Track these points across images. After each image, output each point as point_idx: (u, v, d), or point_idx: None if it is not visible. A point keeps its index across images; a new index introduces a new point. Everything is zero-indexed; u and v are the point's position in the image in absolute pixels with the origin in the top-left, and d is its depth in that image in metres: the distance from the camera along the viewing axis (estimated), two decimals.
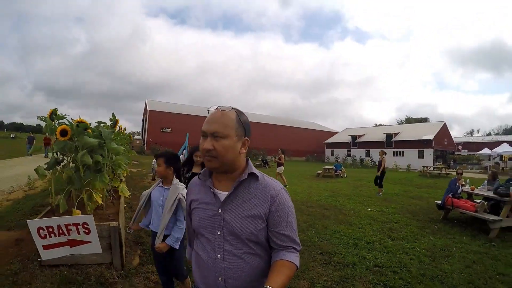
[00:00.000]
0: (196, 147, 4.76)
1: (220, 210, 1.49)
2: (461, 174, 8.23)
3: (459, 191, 7.84)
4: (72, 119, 4.86)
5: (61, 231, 3.65)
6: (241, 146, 1.48)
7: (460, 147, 50.09)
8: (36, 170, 4.51)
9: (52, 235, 3.65)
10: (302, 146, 52.83)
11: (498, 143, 41.75)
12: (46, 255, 3.75)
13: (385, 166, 12.52)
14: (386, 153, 13.67)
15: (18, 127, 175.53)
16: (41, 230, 3.61)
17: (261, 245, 1.49)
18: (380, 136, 44.86)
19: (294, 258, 1.45)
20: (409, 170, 30.60)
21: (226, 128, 1.44)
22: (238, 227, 1.45)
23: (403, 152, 40.72)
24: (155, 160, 3.60)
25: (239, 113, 1.51)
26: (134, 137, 48.10)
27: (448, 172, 22.28)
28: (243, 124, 1.50)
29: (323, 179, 18.22)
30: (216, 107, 1.52)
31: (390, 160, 38.78)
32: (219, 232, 1.48)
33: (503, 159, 37.58)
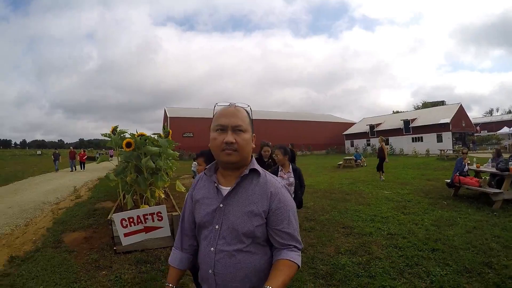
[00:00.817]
0: (265, 143, 5.66)
1: (221, 205, 1.52)
2: (466, 153, 9.01)
3: (465, 170, 8.62)
4: (131, 133, 5.97)
5: (139, 220, 4.71)
6: (252, 141, 1.55)
7: (478, 128, 49.51)
8: (106, 176, 5.64)
9: (132, 224, 4.72)
10: (321, 139, 53.22)
11: None
12: (126, 241, 4.78)
13: (386, 152, 13.47)
14: (385, 139, 14.43)
15: (40, 144, 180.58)
16: (123, 221, 4.67)
17: (257, 241, 1.51)
18: (397, 123, 44.59)
19: (296, 257, 1.47)
20: (428, 155, 30.81)
21: (245, 122, 1.50)
22: (237, 222, 1.48)
23: (421, 137, 40.43)
24: (195, 162, 4.44)
25: (249, 110, 1.61)
26: None
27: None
28: (251, 119, 1.57)
29: (344, 170, 19.01)
30: (227, 103, 1.58)
31: (409, 146, 39.15)
32: (217, 226, 1.51)
33: None
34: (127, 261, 4.76)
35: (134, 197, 5.94)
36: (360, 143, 49.34)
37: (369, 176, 14.26)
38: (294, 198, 4.27)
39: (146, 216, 4.70)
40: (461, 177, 8.18)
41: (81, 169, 25.45)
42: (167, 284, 1.67)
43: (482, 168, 8.58)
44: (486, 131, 48.76)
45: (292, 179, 4.78)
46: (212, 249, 1.50)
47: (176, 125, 43.80)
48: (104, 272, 4.45)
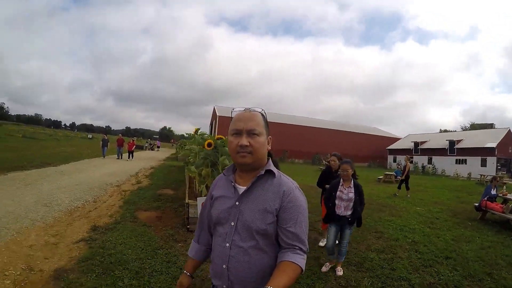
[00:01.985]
0: (336, 154, 6.17)
1: (237, 203, 1.59)
2: (496, 180, 9.81)
3: (494, 195, 9.44)
4: (206, 133, 7.35)
5: None
6: (267, 144, 1.63)
7: None
8: (188, 168, 7.04)
9: None
10: (364, 151, 52.96)
11: None
12: None
13: (409, 171, 14.50)
14: (411, 158, 15.15)
15: (88, 128, 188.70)
16: (203, 203, 5.94)
17: (269, 240, 1.56)
18: (442, 143, 43.89)
19: (299, 260, 1.48)
20: (470, 178, 30.67)
21: (259, 126, 1.58)
22: (251, 219, 1.54)
23: (465, 160, 39.70)
24: None
25: (264, 114, 1.66)
26: None
27: (505, 182, 22.70)
28: (266, 123, 1.64)
29: (383, 184, 19.74)
30: (243, 108, 1.66)
31: (452, 167, 38.46)
32: (232, 223, 1.58)
33: None
34: None
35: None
36: (403, 159, 48.08)
37: (405, 193, 15.08)
38: (352, 215, 4.67)
39: None
40: (488, 202, 9.03)
41: (129, 158, 24.72)
42: (184, 271, 1.87)
43: (509, 196, 9.35)
44: None
45: (351, 195, 4.70)
46: (227, 244, 1.58)
47: (224, 124, 45.40)
48: (180, 244, 5.54)
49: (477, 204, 9.55)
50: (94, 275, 4.10)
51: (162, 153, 43.45)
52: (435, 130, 74.39)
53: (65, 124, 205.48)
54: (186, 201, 6.48)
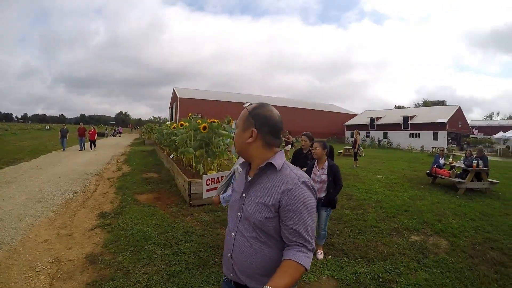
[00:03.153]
0: (305, 133, 5.75)
1: (244, 194, 1.65)
2: (443, 150, 11.53)
3: (442, 164, 11.03)
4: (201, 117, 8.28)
5: (217, 180, 6.28)
6: (249, 136, 1.61)
7: (475, 130, 50.95)
8: (186, 150, 7.95)
9: (212, 182, 6.24)
10: (322, 128, 54.08)
11: None
12: (206, 195, 6.25)
13: (359, 143, 16.25)
14: (360, 133, 16.74)
15: (41, 119, 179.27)
16: (207, 180, 6.25)
17: (268, 234, 1.56)
18: (397, 119, 46.27)
19: (303, 258, 1.45)
20: (422, 151, 33.22)
21: (239, 120, 1.68)
22: (250, 211, 1.58)
23: (418, 134, 42.26)
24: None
25: (255, 107, 1.67)
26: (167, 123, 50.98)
27: (454, 153, 24.75)
28: (253, 116, 1.62)
29: (344, 157, 21.05)
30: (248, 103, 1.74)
31: (406, 141, 41.01)
32: (238, 214, 1.64)
33: None
34: (202, 210, 6.69)
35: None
36: (361, 134, 50.00)
37: (365, 164, 16.60)
38: (325, 196, 4.55)
39: (222, 176, 6.40)
40: (437, 169, 10.58)
41: (91, 148, 22.12)
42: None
43: (454, 164, 10.92)
44: (482, 134, 50.06)
45: (324, 177, 4.57)
46: (233, 234, 1.63)
47: (185, 106, 45.74)
48: (189, 218, 6.22)
49: (428, 171, 11.15)
50: (128, 253, 4.51)
51: (125, 139, 42.74)
52: (391, 107, 77.40)
53: (16, 117, 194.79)
54: (188, 180, 7.22)
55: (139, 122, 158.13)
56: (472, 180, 9.56)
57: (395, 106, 79.28)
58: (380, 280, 3.99)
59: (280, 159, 1.62)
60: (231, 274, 1.64)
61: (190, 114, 8.86)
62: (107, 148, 25.13)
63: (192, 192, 7.06)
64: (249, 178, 1.68)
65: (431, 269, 4.33)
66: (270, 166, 1.59)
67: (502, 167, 17.91)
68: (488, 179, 9.77)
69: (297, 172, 1.60)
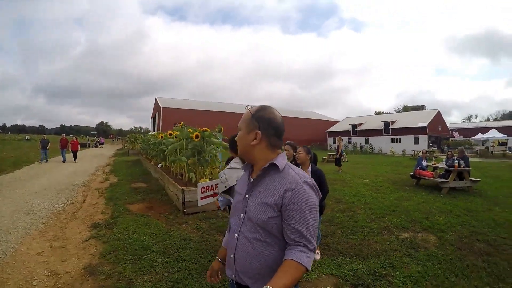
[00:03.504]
0: (289, 142, 5.47)
1: (247, 196, 1.67)
2: (425, 153, 12.02)
3: (425, 165, 11.40)
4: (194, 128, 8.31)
5: (211, 187, 6.18)
6: (253, 138, 1.63)
7: (455, 133, 52.02)
8: (179, 158, 8.06)
9: (207, 190, 5.80)
10: (304, 135, 53.42)
11: (491, 129, 43.59)
12: (201, 203, 5.91)
13: (342, 149, 16.44)
14: (342, 139, 17.18)
15: (20, 129, 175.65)
16: (202, 188, 5.80)
17: (271, 233, 1.57)
18: (378, 124, 47.05)
19: (304, 259, 1.46)
20: (404, 155, 33.67)
21: (242, 122, 1.69)
22: (253, 212, 1.59)
23: (400, 138, 43.01)
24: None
25: (258, 109, 1.67)
26: (149, 133, 50.77)
27: (435, 156, 25.28)
28: (257, 119, 1.63)
29: (327, 164, 21.23)
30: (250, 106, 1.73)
31: (388, 146, 41.51)
32: (241, 215, 1.66)
33: (492, 144, 39.78)
34: (197, 218, 6.71)
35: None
36: (343, 140, 50.30)
37: (350, 169, 16.88)
38: None
39: (216, 184, 6.20)
40: (421, 171, 10.93)
41: (75, 159, 21.42)
42: (216, 258, 1.98)
43: (437, 165, 11.28)
44: (462, 136, 51.16)
45: None
46: (236, 235, 1.65)
47: (168, 115, 45.34)
48: (184, 226, 6.24)
49: (412, 173, 11.48)
50: (128, 262, 4.48)
51: (107, 150, 42.39)
52: (371, 113, 78.94)
53: None
54: (181, 188, 7.22)
55: (120, 133, 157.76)
56: (454, 180, 9.92)
57: (376, 112, 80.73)
58: (377, 274, 4.18)
59: (282, 159, 1.64)
60: (233, 275, 1.67)
61: (181, 123, 8.88)
62: (91, 159, 24.95)
63: (186, 200, 7.09)
64: (252, 180, 1.69)
65: (423, 262, 4.57)
66: (273, 166, 1.61)
67: (482, 167, 18.49)
68: (470, 178, 10.18)
69: (300, 172, 1.62)
